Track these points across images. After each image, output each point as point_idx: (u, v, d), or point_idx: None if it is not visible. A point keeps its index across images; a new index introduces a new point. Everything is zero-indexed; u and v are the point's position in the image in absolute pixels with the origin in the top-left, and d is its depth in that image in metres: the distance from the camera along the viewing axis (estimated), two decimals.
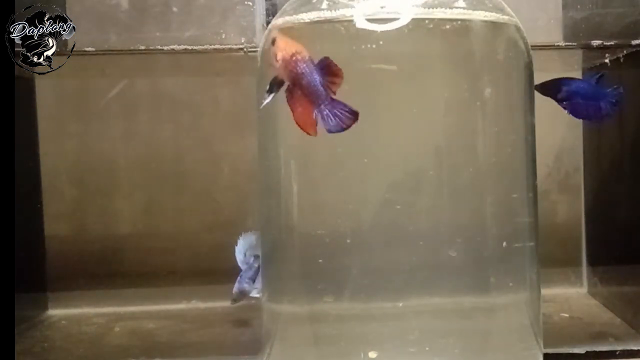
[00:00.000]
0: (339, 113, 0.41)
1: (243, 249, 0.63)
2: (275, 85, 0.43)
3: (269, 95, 0.44)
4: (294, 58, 0.42)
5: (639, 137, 0.66)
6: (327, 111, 0.41)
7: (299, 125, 0.42)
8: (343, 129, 0.41)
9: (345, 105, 0.41)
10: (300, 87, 0.42)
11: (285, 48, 0.42)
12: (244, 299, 0.61)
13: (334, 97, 0.41)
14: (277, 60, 0.42)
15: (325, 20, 0.45)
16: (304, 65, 0.41)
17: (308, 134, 0.42)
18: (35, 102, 0.77)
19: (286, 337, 0.48)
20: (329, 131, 0.41)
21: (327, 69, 0.41)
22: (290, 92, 0.42)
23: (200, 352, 0.61)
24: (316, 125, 0.42)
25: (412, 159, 0.46)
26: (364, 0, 0.46)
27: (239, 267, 0.64)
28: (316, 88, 0.41)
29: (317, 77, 0.41)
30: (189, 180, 0.80)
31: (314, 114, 0.41)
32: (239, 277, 0.62)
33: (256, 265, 0.61)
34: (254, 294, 0.63)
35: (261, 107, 0.45)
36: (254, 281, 0.61)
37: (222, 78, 0.79)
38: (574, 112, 0.53)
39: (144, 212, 0.80)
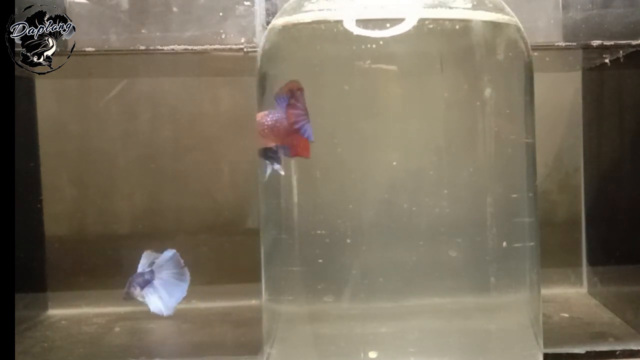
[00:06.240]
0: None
1: (146, 260, 0.64)
2: (269, 154, 0.47)
3: (272, 164, 0.47)
4: (263, 119, 0.46)
5: (639, 137, 0.66)
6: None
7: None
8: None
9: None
10: (283, 130, 0.45)
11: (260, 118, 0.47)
12: (132, 299, 0.62)
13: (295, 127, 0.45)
14: (260, 131, 0.46)
15: (325, 20, 0.45)
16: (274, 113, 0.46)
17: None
18: (35, 102, 0.77)
19: (286, 337, 0.48)
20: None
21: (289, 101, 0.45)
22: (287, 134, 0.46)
23: (200, 352, 0.61)
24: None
25: (412, 159, 0.46)
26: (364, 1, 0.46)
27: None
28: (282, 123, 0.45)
29: (282, 115, 0.45)
30: (189, 180, 0.80)
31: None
32: (130, 279, 0.63)
33: (147, 277, 0.62)
34: (144, 300, 0.63)
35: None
36: (142, 288, 0.63)
37: (222, 78, 0.79)
38: None
39: (144, 212, 0.80)
